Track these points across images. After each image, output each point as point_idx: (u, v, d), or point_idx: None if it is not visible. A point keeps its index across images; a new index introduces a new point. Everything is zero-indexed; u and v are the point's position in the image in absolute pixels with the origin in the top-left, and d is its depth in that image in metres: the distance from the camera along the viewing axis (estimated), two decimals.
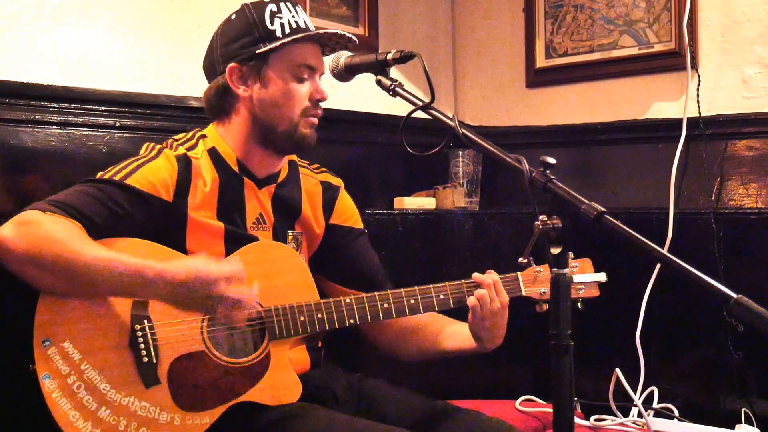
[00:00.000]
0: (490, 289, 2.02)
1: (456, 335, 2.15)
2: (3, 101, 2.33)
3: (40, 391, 1.78)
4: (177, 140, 2.06)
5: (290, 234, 2.15)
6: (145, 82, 2.67)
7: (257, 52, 2.01)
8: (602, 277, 2.12)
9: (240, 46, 2.04)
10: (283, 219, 2.14)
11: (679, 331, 2.78)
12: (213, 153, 2.05)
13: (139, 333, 1.84)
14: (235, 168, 2.06)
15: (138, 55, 2.67)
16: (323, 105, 2.09)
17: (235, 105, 2.06)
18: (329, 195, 2.24)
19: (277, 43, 2.00)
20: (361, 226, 2.30)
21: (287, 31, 2.02)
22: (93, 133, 2.50)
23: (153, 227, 1.94)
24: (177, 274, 1.75)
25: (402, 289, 2.04)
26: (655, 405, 2.83)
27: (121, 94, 2.57)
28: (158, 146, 2.02)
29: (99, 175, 1.93)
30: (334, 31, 2.05)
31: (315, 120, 2.07)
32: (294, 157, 2.21)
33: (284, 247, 2.07)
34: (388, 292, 2.04)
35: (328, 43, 2.09)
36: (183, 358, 1.87)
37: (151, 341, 1.84)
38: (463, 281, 2.08)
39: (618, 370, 2.76)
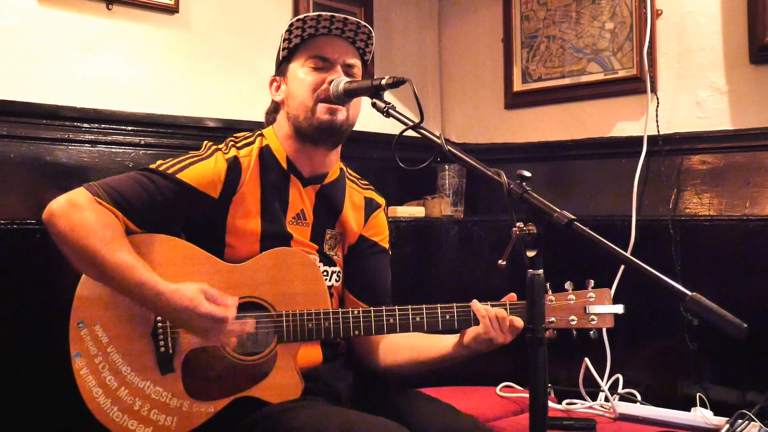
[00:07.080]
0: (494, 320, 1.85)
1: (438, 344, 1.99)
2: (40, 122, 2.35)
3: (70, 368, 1.80)
4: (236, 139, 2.01)
5: (329, 232, 2.06)
6: (166, 104, 2.68)
7: (281, 57, 2.03)
8: (619, 309, 1.87)
9: (277, 60, 2.07)
10: (324, 217, 2.06)
11: (641, 325, 2.78)
12: (266, 150, 2.00)
13: (160, 324, 1.83)
14: (284, 165, 2.00)
15: (159, 79, 2.68)
16: None
17: (279, 110, 2.05)
18: (370, 210, 2.15)
19: (289, 44, 1.98)
20: (386, 246, 2.17)
21: (308, 31, 1.97)
22: (120, 150, 2.51)
23: (197, 219, 1.92)
24: (171, 301, 1.74)
25: (409, 306, 1.90)
26: (620, 390, 2.83)
27: (145, 116, 2.57)
28: (214, 147, 1.97)
29: (156, 164, 1.91)
30: (329, 15, 1.92)
31: (334, 105, 1.92)
32: (343, 166, 2.14)
33: (304, 257, 1.95)
34: (395, 307, 1.90)
35: (343, 35, 1.97)
36: (197, 351, 1.85)
37: (170, 332, 1.83)
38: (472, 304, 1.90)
39: (587, 360, 2.77)
